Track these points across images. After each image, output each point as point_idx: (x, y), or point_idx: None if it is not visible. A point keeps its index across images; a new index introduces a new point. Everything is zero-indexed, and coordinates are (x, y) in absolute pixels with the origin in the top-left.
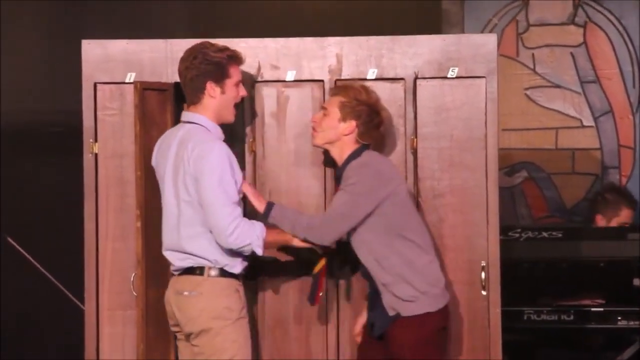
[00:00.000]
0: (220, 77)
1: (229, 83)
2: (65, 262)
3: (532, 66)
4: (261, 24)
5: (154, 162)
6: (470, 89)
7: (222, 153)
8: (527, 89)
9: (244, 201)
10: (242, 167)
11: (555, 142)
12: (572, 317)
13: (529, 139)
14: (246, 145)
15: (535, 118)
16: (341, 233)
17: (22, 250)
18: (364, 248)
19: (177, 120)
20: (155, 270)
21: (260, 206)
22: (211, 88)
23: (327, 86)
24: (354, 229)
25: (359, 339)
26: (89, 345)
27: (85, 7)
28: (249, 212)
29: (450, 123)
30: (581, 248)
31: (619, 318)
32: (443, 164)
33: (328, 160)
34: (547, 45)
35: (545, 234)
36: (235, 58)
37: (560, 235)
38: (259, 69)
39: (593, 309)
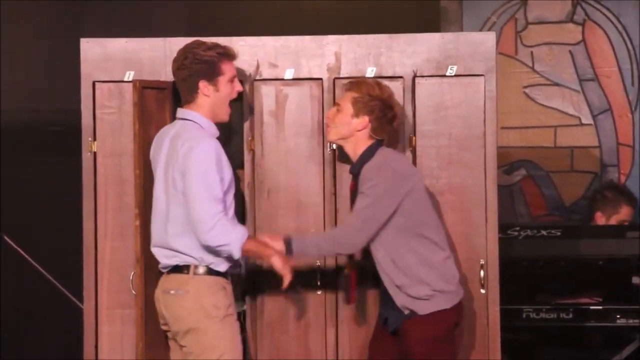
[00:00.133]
0: (212, 75)
1: (222, 80)
2: (64, 261)
3: (530, 64)
4: (260, 23)
5: (151, 159)
6: (469, 87)
7: (209, 149)
8: (525, 87)
9: (243, 204)
10: (241, 165)
11: (554, 140)
12: (571, 316)
13: (528, 137)
14: (245, 144)
15: (534, 116)
16: (369, 237)
17: (20, 250)
18: (381, 249)
19: (175, 119)
20: (154, 269)
21: (278, 245)
22: (204, 87)
23: (325, 84)
24: None
25: None
26: (88, 344)
27: (85, 7)
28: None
29: (449, 121)
30: (580, 246)
31: (618, 316)
32: (442, 162)
33: (342, 157)
34: (545, 44)
35: (544, 232)
36: (226, 54)
37: (559, 233)
38: (257, 67)
39: (592, 307)
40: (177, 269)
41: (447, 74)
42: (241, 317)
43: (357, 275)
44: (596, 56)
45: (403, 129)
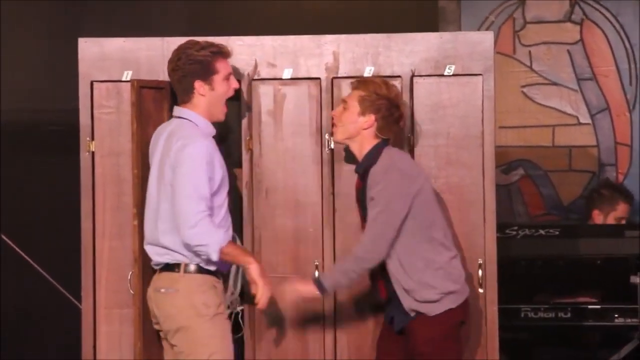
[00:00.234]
0: (207, 74)
1: (217, 79)
2: (62, 261)
3: (528, 64)
4: (259, 23)
5: (149, 156)
6: (467, 87)
7: (201, 148)
8: (523, 86)
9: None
10: (239, 165)
11: (552, 139)
12: (569, 315)
13: (526, 137)
14: (243, 143)
15: (532, 115)
16: (388, 243)
17: (18, 249)
18: (392, 253)
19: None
20: (152, 269)
21: (310, 288)
22: (200, 86)
23: (323, 84)
24: None
25: None
26: (86, 343)
27: (85, 6)
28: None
29: (447, 121)
30: (578, 245)
31: (616, 315)
32: (440, 162)
33: (348, 157)
34: (543, 43)
35: (542, 232)
36: (220, 53)
37: (557, 232)
38: (255, 66)
39: (590, 307)
40: (169, 267)
41: (445, 73)
42: (239, 317)
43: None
44: (594, 55)
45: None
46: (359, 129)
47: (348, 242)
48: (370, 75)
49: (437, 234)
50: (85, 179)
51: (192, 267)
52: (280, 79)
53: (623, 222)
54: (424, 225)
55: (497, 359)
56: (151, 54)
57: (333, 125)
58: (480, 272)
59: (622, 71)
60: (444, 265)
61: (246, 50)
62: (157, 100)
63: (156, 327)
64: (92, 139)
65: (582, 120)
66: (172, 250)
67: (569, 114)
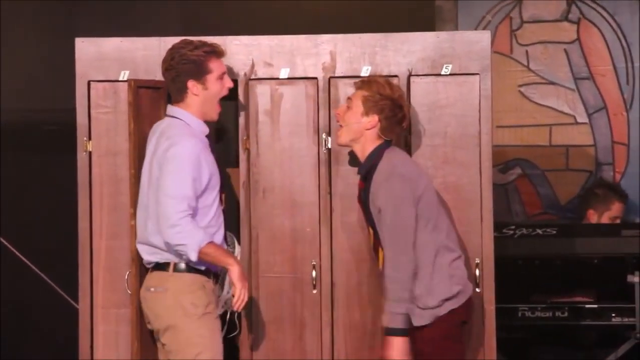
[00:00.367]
0: (200, 73)
1: (211, 78)
2: (59, 260)
3: (525, 63)
4: (255, 22)
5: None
6: (464, 86)
7: (186, 148)
8: (520, 85)
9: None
10: (237, 164)
11: (549, 138)
12: (566, 314)
13: (523, 136)
14: (240, 143)
15: (529, 115)
16: (411, 246)
17: (13, 249)
18: None
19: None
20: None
21: (392, 346)
22: (193, 86)
23: (320, 84)
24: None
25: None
26: (83, 343)
27: (85, 6)
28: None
29: (444, 120)
30: (575, 245)
31: (613, 315)
32: (437, 161)
33: (351, 159)
34: (540, 42)
35: (539, 231)
36: (213, 52)
37: (554, 232)
38: (252, 66)
39: (587, 306)
40: (159, 266)
41: (442, 72)
42: (234, 316)
43: None
44: (591, 55)
45: None
46: (362, 129)
47: (345, 242)
48: (367, 75)
49: (440, 235)
50: (83, 178)
51: (182, 266)
52: (277, 78)
53: (617, 221)
54: (427, 227)
55: (494, 358)
56: (148, 54)
57: (338, 123)
58: (477, 271)
59: (619, 70)
60: (446, 267)
61: (243, 50)
62: (154, 100)
63: (149, 326)
64: (90, 138)
65: (579, 120)
66: (161, 249)
67: (566, 113)
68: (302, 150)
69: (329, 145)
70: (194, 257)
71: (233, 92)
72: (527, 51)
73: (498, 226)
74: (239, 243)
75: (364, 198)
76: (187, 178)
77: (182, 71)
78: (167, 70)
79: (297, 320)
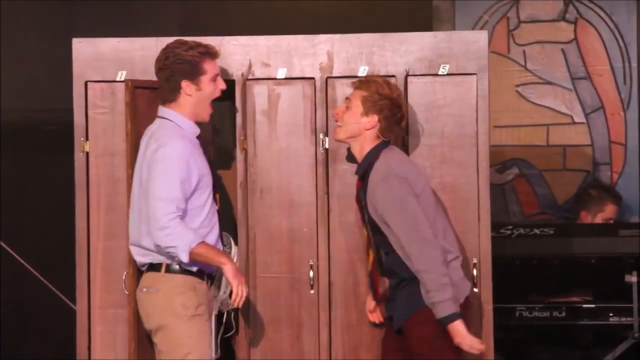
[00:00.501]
0: (194, 74)
1: (205, 79)
2: (56, 261)
3: (523, 63)
4: (253, 22)
5: None
6: (461, 86)
7: (174, 149)
8: (518, 85)
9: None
10: (229, 166)
11: (546, 138)
12: (563, 314)
13: (520, 136)
14: (237, 143)
15: (527, 115)
16: (431, 236)
17: (11, 251)
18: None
19: None
20: None
21: (457, 332)
22: (187, 86)
23: (318, 84)
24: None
25: (370, 317)
26: (81, 344)
27: (85, 6)
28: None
29: (441, 120)
30: (573, 245)
31: (611, 314)
32: (434, 161)
33: (349, 157)
34: (538, 42)
35: (536, 231)
36: (208, 53)
37: (551, 232)
38: (249, 66)
39: (585, 306)
40: (152, 267)
41: (440, 72)
42: (231, 316)
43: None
44: (588, 55)
45: None
46: (362, 129)
47: (343, 242)
48: (365, 75)
49: (437, 236)
50: (80, 179)
51: (174, 267)
52: (275, 78)
53: (611, 222)
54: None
55: (492, 358)
56: (145, 54)
57: (336, 122)
58: (475, 271)
59: (616, 70)
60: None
61: (240, 50)
62: (151, 101)
63: (145, 326)
64: (87, 139)
65: (576, 120)
66: (152, 251)
67: (564, 113)
68: (300, 151)
69: (327, 146)
70: (185, 258)
71: (230, 92)
72: (524, 51)
73: (495, 226)
74: (236, 243)
75: (361, 198)
76: (175, 180)
77: (176, 71)
78: (161, 70)
79: (295, 321)
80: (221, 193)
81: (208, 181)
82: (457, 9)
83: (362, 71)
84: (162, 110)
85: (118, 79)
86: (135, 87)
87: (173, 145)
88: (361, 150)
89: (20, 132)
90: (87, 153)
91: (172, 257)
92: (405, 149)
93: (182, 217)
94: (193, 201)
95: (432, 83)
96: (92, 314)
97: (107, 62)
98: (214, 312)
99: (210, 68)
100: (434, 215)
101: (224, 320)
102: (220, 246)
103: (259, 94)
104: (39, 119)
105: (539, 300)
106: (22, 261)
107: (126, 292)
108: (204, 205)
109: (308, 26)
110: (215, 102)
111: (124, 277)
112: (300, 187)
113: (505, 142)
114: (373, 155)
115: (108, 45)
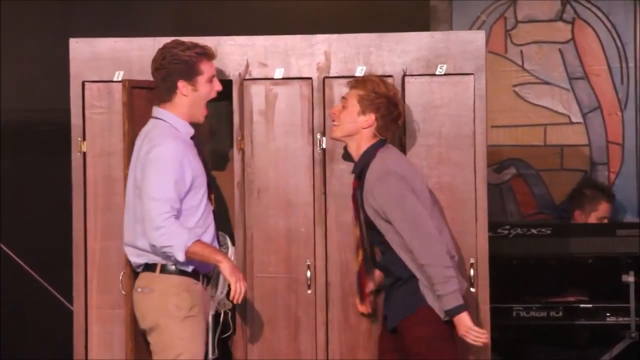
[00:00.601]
0: (191, 74)
1: (201, 80)
2: (53, 261)
3: (520, 63)
4: (250, 23)
5: None
6: (458, 86)
7: (168, 149)
8: (515, 85)
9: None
10: (224, 167)
11: (543, 138)
12: (560, 314)
13: (518, 136)
14: (234, 143)
15: (524, 115)
16: (434, 231)
17: (10, 252)
18: (386, 249)
19: None
20: None
21: (461, 324)
22: (183, 86)
23: (315, 84)
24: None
25: (360, 308)
26: (78, 344)
27: (84, 6)
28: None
29: (439, 120)
30: (570, 244)
31: (608, 314)
32: (431, 161)
33: (346, 156)
34: (535, 42)
35: (534, 231)
36: (205, 54)
37: (549, 231)
38: (247, 66)
39: (582, 306)
40: (148, 267)
41: (437, 72)
42: (228, 316)
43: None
44: (586, 55)
45: None
46: (359, 128)
47: (340, 242)
48: (362, 75)
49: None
50: (77, 179)
51: (170, 268)
52: (272, 78)
53: (605, 222)
54: None
55: (489, 358)
56: (143, 54)
57: (333, 122)
58: (472, 271)
59: (613, 70)
60: None
61: (237, 50)
62: (148, 100)
63: (140, 326)
64: (84, 139)
65: (573, 120)
66: (147, 251)
67: (561, 113)
68: (297, 151)
69: (324, 145)
70: (181, 257)
71: (228, 92)
72: (521, 51)
73: (493, 226)
74: (233, 243)
75: (358, 197)
76: (169, 180)
77: (173, 71)
78: (157, 70)
79: (292, 321)
80: (218, 193)
81: (202, 181)
82: (454, 9)
83: (360, 71)
84: (157, 111)
85: (115, 79)
86: (132, 87)
87: (166, 146)
88: (358, 149)
89: (19, 132)
90: (84, 153)
91: (168, 257)
92: (403, 149)
93: (177, 217)
94: (187, 201)
95: (430, 83)
96: (89, 314)
97: (105, 62)
98: (211, 312)
99: (207, 69)
100: (430, 216)
101: (222, 320)
102: (216, 246)
103: (257, 94)
104: (38, 119)
105: (536, 300)
106: (21, 262)
107: (123, 292)
108: (199, 205)
109: (305, 26)
110: (212, 102)
111: (120, 278)
112: (298, 187)
113: (502, 142)
114: (370, 154)
115: (105, 45)
